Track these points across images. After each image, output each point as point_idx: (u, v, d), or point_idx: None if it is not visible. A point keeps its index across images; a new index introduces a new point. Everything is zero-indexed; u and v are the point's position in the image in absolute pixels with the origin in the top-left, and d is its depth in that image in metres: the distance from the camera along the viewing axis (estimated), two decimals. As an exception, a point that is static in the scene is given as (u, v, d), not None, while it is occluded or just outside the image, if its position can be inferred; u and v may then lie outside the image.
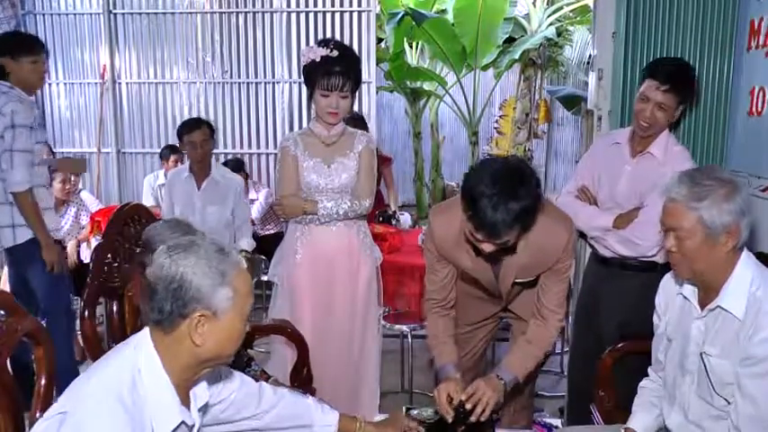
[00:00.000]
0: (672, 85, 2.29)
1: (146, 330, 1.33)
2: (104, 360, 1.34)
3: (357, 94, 2.62)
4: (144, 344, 1.31)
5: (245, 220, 3.77)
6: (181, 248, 1.30)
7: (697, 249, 1.56)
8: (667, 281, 1.82)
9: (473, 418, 1.89)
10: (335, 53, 2.45)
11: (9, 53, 2.93)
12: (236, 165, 5.08)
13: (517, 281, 2.07)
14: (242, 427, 1.61)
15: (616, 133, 2.58)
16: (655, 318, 1.86)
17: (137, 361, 1.28)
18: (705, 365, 1.63)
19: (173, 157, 4.95)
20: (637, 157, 2.41)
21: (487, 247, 1.80)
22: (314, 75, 2.46)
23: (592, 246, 2.54)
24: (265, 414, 1.62)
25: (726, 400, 1.60)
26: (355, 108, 4.86)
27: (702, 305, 1.66)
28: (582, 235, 2.66)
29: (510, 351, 2.14)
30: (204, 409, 1.46)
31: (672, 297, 1.78)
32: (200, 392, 1.43)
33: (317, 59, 2.44)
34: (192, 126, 3.62)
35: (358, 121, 4.55)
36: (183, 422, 1.31)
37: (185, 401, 1.36)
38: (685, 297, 1.71)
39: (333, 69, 2.43)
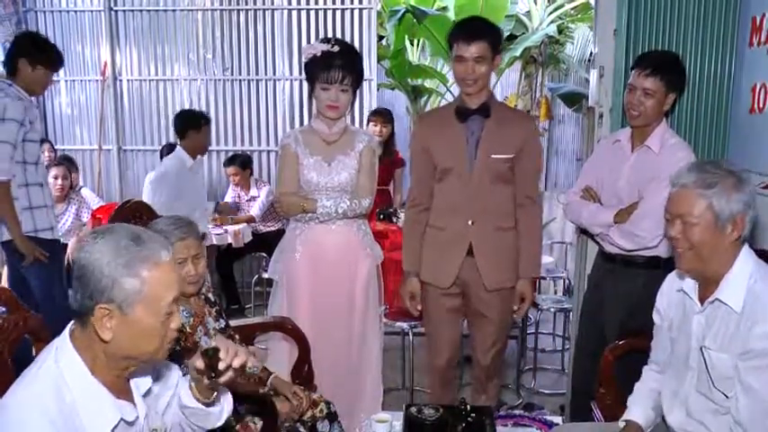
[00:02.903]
0: (654, 69, 2.31)
1: (65, 332, 1.25)
2: (25, 376, 1.24)
3: (358, 91, 2.62)
4: (64, 347, 1.22)
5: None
6: (97, 234, 1.20)
7: (703, 236, 1.57)
8: (669, 281, 1.83)
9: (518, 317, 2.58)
10: (336, 48, 2.46)
11: (30, 56, 2.96)
12: (244, 161, 5.10)
13: (492, 156, 2.39)
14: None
15: (618, 133, 2.59)
16: (655, 316, 1.87)
17: (59, 367, 1.20)
18: (705, 360, 1.63)
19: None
20: (635, 151, 2.42)
21: (468, 53, 2.31)
22: (315, 69, 2.47)
23: (598, 243, 2.55)
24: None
25: (724, 394, 1.60)
26: (356, 107, 4.86)
27: (702, 300, 1.67)
28: (584, 232, 2.67)
29: (519, 260, 2.48)
30: (148, 394, 1.37)
31: (673, 295, 1.79)
32: (142, 379, 1.34)
33: (318, 54, 2.45)
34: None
35: (383, 114, 4.56)
36: (121, 419, 1.24)
37: (123, 394, 1.28)
38: (685, 292, 1.72)
39: (333, 63, 2.44)
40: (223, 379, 1.34)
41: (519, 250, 2.47)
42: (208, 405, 1.41)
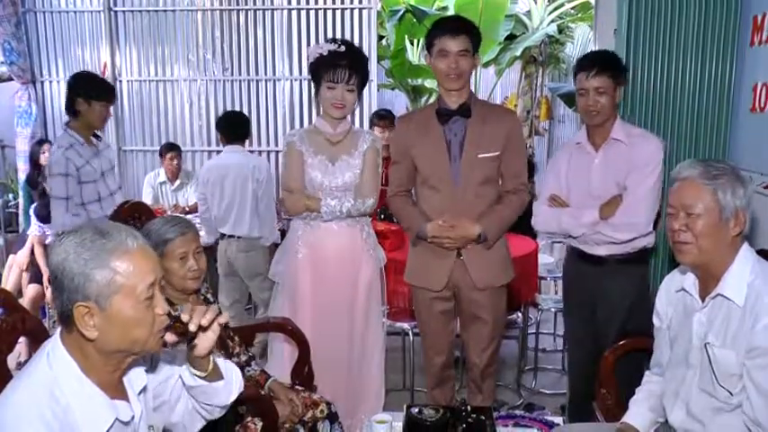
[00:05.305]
0: (598, 68, 2.35)
1: (56, 334, 1.24)
2: (17, 380, 1.22)
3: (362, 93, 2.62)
4: (56, 349, 1.21)
5: None
6: (64, 235, 1.19)
7: (707, 229, 1.58)
8: (668, 282, 1.83)
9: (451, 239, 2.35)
10: (343, 48, 2.46)
11: (85, 95, 3.04)
12: None
13: (480, 156, 2.36)
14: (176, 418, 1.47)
15: (572, 138, 2.62)
16: (655, 319, 1.86)
17: (52, 369, 1.19)
18: (709, 356, 1.62)
19: (168, 155, 4.95)
20: (601, 148, 2.43)
21: (454, 47, 2.30)
22: (321, 69, 2.47)
23: (580, 248, 2.52)
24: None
25: (729, 391, 1.59)
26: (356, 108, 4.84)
27: (703, 297, 1.67)
28: (560, 241, 2.65)
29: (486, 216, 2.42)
30: (144, 391, 1.36)
31: (672, 296, 1.79)
32: (136, 377, 1.33)
33: (325, 54, 2.45)
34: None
35: (387, 118, 4.56)
36: (116, 419, 1.23)
37: (118, 393, 1.27)
38: (686, 290, 1.72)
39: (340, 62, 2.44)
40: (203, 342, 1.31)
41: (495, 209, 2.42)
42: (210, 380, 1.38)
